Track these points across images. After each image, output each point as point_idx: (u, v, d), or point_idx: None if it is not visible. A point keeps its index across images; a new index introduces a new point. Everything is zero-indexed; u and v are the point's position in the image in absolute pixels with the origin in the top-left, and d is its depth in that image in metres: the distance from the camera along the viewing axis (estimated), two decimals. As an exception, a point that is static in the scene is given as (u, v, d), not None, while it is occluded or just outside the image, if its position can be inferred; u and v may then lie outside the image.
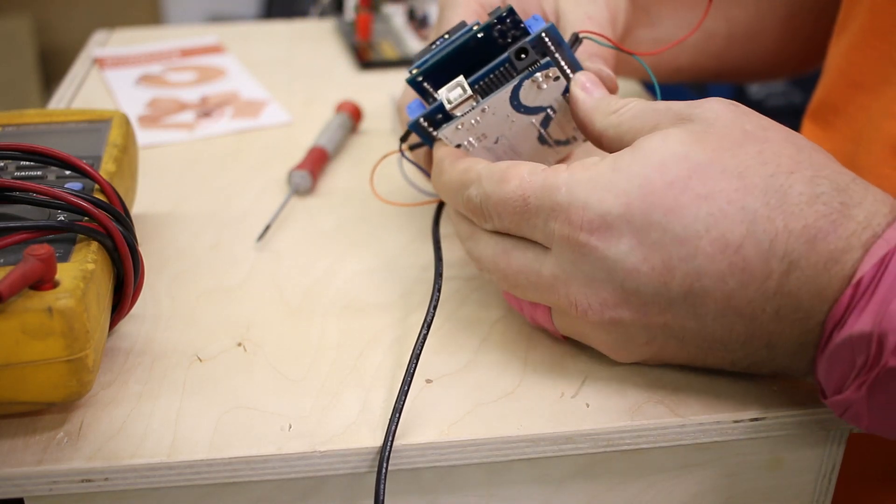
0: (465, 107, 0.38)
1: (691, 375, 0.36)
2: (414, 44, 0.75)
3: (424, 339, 0.36)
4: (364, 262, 0.45)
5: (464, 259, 0.45)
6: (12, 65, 2.11)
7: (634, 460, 0.36)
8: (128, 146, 0.44)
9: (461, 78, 0.38)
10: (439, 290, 0.38)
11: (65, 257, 0.33)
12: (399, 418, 0.33)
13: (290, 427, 0.34)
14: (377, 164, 0.46)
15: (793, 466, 0.37)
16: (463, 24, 0.39)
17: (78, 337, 0.31)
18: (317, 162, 0.53)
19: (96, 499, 0.33)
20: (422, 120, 0.39)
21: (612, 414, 0.34)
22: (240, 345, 0.38)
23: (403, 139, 0.42)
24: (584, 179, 0.32)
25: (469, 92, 0.38)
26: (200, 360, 0.37)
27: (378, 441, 0.33)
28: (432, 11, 0.82)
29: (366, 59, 0.74)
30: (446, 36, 0.39)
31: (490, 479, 0.36)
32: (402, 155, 0.43)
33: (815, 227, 0.30)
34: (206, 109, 0.64)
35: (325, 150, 0.54)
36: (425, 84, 0.39)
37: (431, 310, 0.37)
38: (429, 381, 0.36)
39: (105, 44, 0.78)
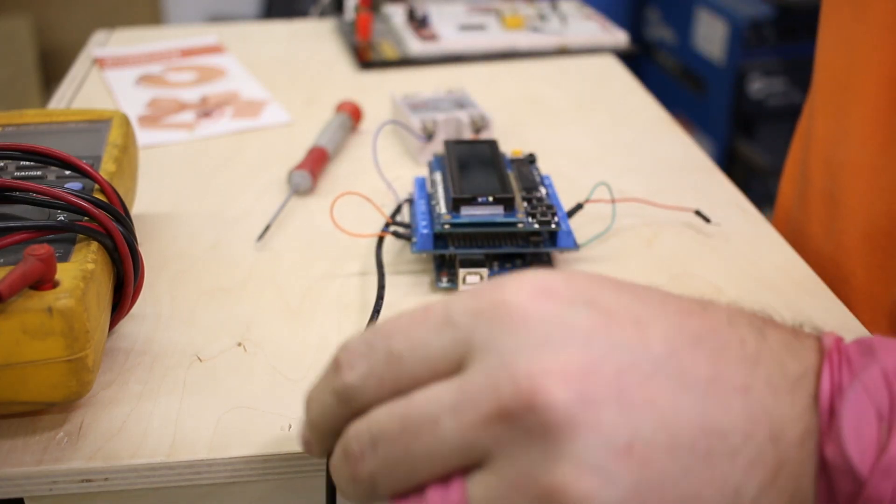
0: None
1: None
2: (414, 44, 0.75)
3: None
4: (364, 262, 0.45)
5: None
6: (12, 65, 2.11)
7: (634, 460, 0.36)
8: (128, 146, 0.44)
9: (485, 271, 0.41)
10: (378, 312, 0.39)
11: (65, 257, 0.33)
12: None
13: (290, 427, 0.34)
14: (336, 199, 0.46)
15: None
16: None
17: (78, 337, 0.31)
18: (317, 162, 0.53)
19: (96, 499, 0.33)
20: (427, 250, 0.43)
21: (612, 414, 0.34)
22: (240, 345, 0.38)
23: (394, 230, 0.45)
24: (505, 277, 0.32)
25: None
26: (200, 360, 0.37)
27: (378, 441, 0.33)
28: (432, 11, 0.82)
29: (366, 59, 0.74)
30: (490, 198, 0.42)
31: (490, 479, 0.36)
32: (392, 233, 0.46)
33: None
34: (206, 109, 0.64)
35: (325, 150, 0.54)
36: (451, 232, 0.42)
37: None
38: (429, 381, 0.36)
39: (105, 44, 0.78)
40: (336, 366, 0.27)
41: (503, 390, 0.23)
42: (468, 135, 0.56)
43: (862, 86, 0.46)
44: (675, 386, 0.24)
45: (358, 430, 0.26)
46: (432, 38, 0.76)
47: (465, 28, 0.78)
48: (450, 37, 0.76)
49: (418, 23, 0.80)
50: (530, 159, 0.49)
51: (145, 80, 0.70)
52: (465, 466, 0.24)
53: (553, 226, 0.42)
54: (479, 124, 0.55)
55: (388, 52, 0.75)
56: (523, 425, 0.23)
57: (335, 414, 0.27)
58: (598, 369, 0.23)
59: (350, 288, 0.43)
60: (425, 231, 0.42)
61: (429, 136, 0.54)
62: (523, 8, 0.83)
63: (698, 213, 0.48)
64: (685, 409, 0.24)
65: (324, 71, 0.73)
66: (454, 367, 0.25)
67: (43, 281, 0.31)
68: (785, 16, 1.66)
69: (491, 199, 0.42)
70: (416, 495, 0.25)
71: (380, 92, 0.66)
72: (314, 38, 0.81)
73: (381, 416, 0.25)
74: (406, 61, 0.74)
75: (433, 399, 0.25)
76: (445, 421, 0.24)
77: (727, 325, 0.26)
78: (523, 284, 0.25)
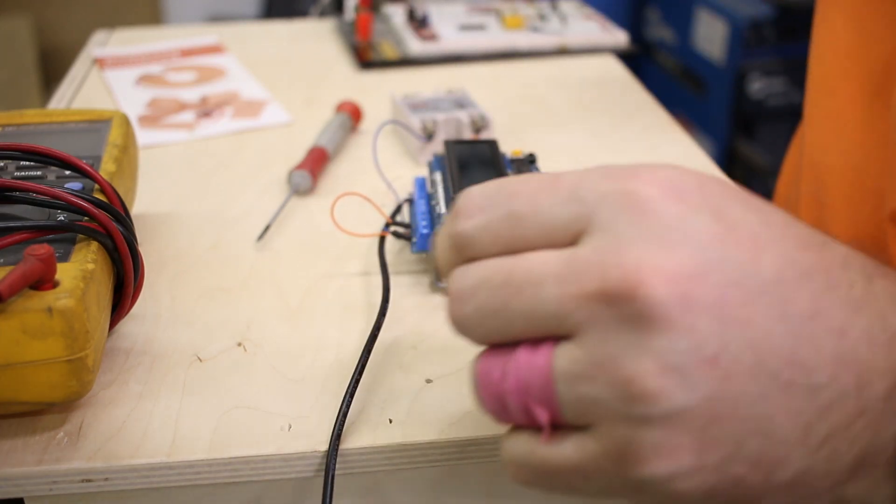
0: None
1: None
2: (414, 44, 0.75)
3: (369, 351, 0.37)
4: (364, 262, 0.45)
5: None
6: (12, 65, 2.11)
7: (634, 460, 0.36)
8: (128, 146, 0.44)
9: None
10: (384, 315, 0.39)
11: (65, 257, 0.33)
12: (343, 423, 0.33)
13: (290, 427, 0.34)
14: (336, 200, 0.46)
15: (793, 466, 0.37)
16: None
17: (78, 337, 0.31)
18: (317, 162, 0.53)
19: (96, 499, 0.33)
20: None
21: (612, 414, 0.34)
22: (240, 345, 0.38)
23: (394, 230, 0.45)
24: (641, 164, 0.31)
25: None
26: (200, 360, 0.37)
27: (378, 441, 0.33)
28: (432, 11, 0.82)
29: (366, 59, 0.74)
30: None
31: (490, 479, 0.36)
32: (391, 233, 0.46)
33: None
34: (206, 109, 0.64)
35: (325, 150, 0.54)
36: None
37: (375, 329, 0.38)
38: (429, 381, 0.36)
39: (105, 44, 0.78)
40: (456, 213, 0.28)
41: (610, 273, 0.24)
42: (468, 135, 0.56)
43: (851, 91, 0.47)
44: (774, 314, 0.24)
45: (463, 273, 0.27)
46: (432, 38, 0.76)
47: (465, 28, 0.78)
48: (450, 37, 0.76)
49: (418, 23, 0.80)
50: (530, 159, 0.49)
51: (145, 80, 0.70)
52: (556, 335, 0.25)
53: None
54: (479, 124, 0.55)
55: (388, 52, 0.75)
56: (620, 311, 0.24)
57: (450, 258, 0.28)
58: (705, 278, 0.24)
59: (350, 288, 0.43)
60: (425, 231, 0.42)
61: (429, 136, 0.54)
62: (523, 8, 0.83)
63: None
64: (777, 338, 0.24)
65: (324, 71, 0.73)
66: (570, 239, 0.26)
67: (43, 281, 0.31)
68: (785, 16, 1.66)
69: None
70: (507, 350, 0.26)
71: (380, 92, 0.66)
72: (314, 38, 0.81)
73: (489, 266, 0.26)
74: (406, 61, 0.74)
75: (542, 263, 0.25)
76: (549, 286, 0.25)
77: (841, 266, 0.26)
78: (658, 179, 0.25)
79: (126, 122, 0.45)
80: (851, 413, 0.25)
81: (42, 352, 0.31)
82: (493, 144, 0.48)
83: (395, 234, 0.45)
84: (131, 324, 0.39)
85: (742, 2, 1.72)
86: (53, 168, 0.39)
